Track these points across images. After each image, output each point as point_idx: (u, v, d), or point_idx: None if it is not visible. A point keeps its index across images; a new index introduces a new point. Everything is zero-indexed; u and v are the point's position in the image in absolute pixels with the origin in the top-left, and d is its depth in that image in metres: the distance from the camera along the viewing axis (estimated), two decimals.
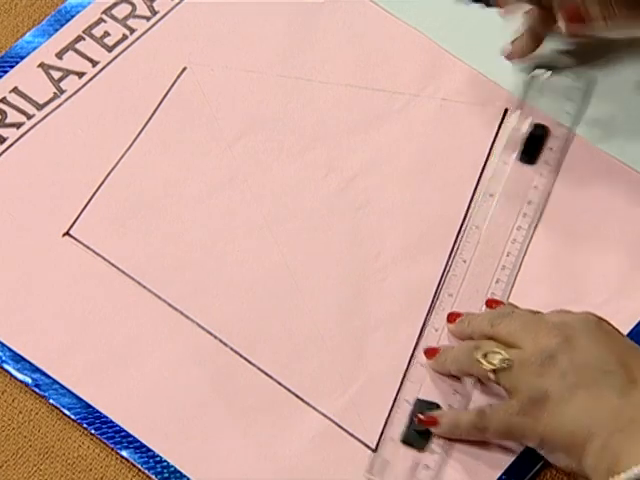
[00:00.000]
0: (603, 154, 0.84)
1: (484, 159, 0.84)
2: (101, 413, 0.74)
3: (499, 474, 0.72)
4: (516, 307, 0.76)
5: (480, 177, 0.83)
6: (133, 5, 0.90)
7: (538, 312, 0.74)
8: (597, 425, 0.67)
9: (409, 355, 0.76)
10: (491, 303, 0.77)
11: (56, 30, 0.89)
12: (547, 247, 0.80)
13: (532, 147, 0.83)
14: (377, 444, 0.74)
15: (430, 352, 0.75)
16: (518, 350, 0.71)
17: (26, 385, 0.76)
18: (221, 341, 0.77)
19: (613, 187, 0.82)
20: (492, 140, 0.84)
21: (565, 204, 0.82)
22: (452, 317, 0.77)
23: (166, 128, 0.85)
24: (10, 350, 0.76)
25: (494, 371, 0.71)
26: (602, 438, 0.67)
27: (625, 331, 0.75)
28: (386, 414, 0.74)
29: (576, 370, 0.69)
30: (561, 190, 0.82)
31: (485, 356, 0.71)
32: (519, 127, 0.84)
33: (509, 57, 0.86)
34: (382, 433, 0.74)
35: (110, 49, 0.89)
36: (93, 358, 0.76)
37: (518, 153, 0.83)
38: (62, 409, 0.75)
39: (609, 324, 0.72)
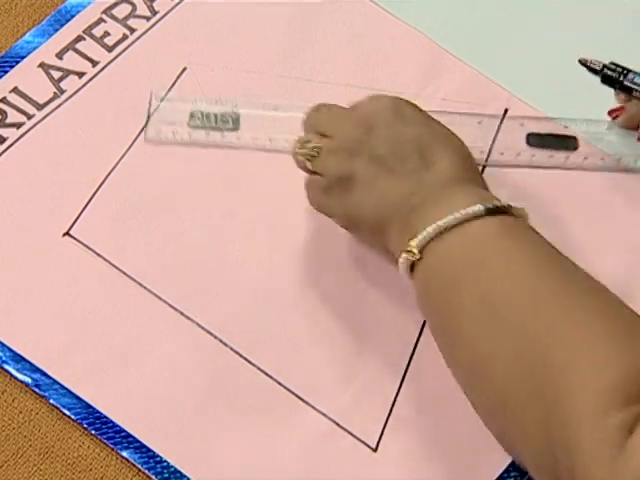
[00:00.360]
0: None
1: (484, 157, 0.83)
2: (101, 413, 0.74)
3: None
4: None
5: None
6: (133, 5, 0.90)
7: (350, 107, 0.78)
8: (395, 208, 0.72)
9: (409, 354, 0.76)
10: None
11: (56, 30, 0.89)
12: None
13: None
14: (377, 444, 0.74)
15: None
16: (329, 139, 0.76)
17: (26, 385, 0.76)
18: (221, 341, 0.77)
19: (611, 191, 0.82)
20: (492, 139, 0.84)
21: (560, 208, 0.82)
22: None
23: (166, 128, 0.85)
24: (10, 350, 0.76)
25: (309, 160, 0.75)
26: (400, 220, 0.72)
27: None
28: (386, 414, 0.75)
29: (377, 158, 0.73)
30: (556, 193, 0.82)
31: (301, 147, 0.76)
32: None
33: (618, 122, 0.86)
34: (382, 433, 0.74)
35: (110, 49, 0.89)
36: (93, 358, 0.76)
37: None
38: (62, 409, 0.75)
39: (411, 107, 0.76)
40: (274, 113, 0.84)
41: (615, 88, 0.83)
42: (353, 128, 0.75)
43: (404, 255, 0.70)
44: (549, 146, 0.83)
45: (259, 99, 0.85)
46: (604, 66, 0.82)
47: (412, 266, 0.70)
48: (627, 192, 0.82)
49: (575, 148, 0.83)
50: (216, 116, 0.83)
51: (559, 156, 0.83)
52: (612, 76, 0.82)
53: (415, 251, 0.69)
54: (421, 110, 0.77)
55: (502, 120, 0.85)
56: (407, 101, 0.77)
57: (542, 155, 0.83)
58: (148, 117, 0.84)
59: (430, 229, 0.69)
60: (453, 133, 0.76)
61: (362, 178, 0.74)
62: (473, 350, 0.67)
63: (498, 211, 0.69)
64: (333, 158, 0.75)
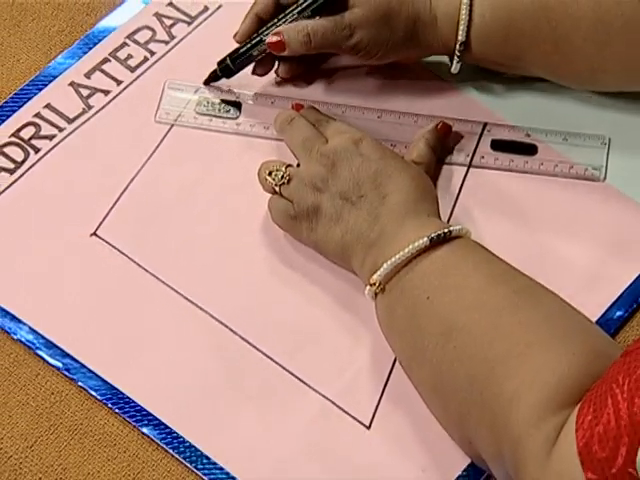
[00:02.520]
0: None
1: (465, 168, 0.83)
2: (124, 394, 0.75)
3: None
4: (315, 112, 0.82)
5: (462, 185, 0.83)
6: (153, 31, 0.90)
7: (327, 118, 0.80)
8: (357, 241, 0.74)
9: None
10: (297, 107, 0.83)
11: (85, 53, 0.89)
12: (515, 241, 0.80)
13: None
14: (370, 421, 0.74)
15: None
16: (296, 168, 0.77)
17: (57, 369, 0.76)
18: (232, 330, 0.77)
19: (564, 195, 0.82)
20: (472, 150, 0.84)
21: (531, 200, 0.82)
22: (297, 107, 0.83)
23: (183, 139, 0.85)
24: (43, 338, 0.77)
25: (277, 185, 0.77)
26: (361, 252, 0.74)
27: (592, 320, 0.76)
28: (379, 395, 0.75)
29: (341, 194, 0.74)
30: (525, 187, 0.82)
31: (270, 174, 0.77)
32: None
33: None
34: (375, 412, 0.74)
35: (133, 70, 0.89)
36: (117, 345, 0.77)
37: None
38: (89, 390, 0.75)
39: (369, 141, 0.76)
40: (271, 104, 0.85)
41: (238, 70, 0.84)
42: (319, 163, 0.76)
43: (368, 287, 0.72)
44: (511, 151, 0.83)
45: (259, 91, 0.86)
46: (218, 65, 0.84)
47: (375, 295, 0.72)
48: (577, 196, 0.82)
49: (534, 154, 0.83)
50: (220, 104, 0.85)
51: (519, 160, 0.83)
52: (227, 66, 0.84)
53: (376, 284, 0.71)
54: (380, 145, 0.77)
55: (482, 133, 0.85)
56: (367, 137, 0.77)
57: (504, 158, 0.83)
58: (160, 100, 0.85)
59: (386, 266, 0.71)
60: (410, 165, 0.77)
61: (328, 211, 0.75)
62: (432, 369, 0.69)
63: (443, 238, 0.71)
64: (302, 189, 0.76)
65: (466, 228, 0.72)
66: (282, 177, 0.76)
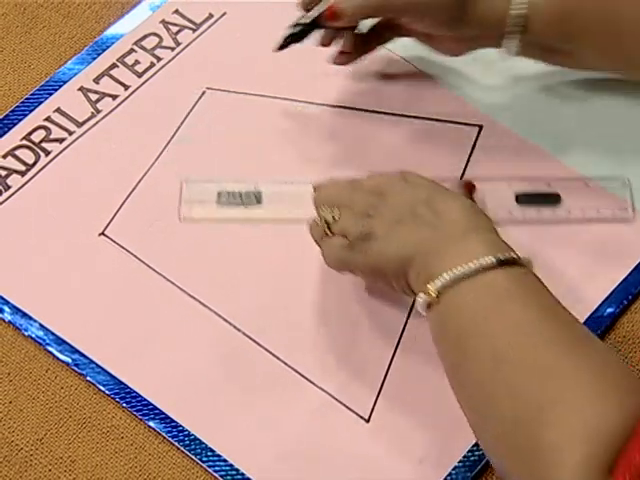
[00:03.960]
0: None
1: (461, 171, 0.83)
2: (132, 389, 0.75)
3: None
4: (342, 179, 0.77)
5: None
6: (160, 37, 0.90)
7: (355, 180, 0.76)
8: (414, 252, 0.69)
9: (397, 339, 0.76)
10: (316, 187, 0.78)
11: (94, 59, 0.89)
12: (509, 240, 0.79)
13: None
14: (369, 415, 0.74)
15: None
16: (344, 207, 0.73)
17: (67, 364, 0.76)
18: (235, 327, 0.77)
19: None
20: (468, 153, 0.84)
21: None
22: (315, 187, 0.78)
23: (188, 142, 0.85)
24: (53, 334, 0.77)
25: (328, 227, 0.73)
26: (419, 261, 0.69)
27: (582, 319, 0.76)
28: (377, 389, 0.74)
29: (393, 217, 0.71)
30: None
31: (319, 217, 0.74)
32: None
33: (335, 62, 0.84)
34: (374, 406, 0.74)
35: (140, 75, 0.88)
36: (125, 341, 0.76)
37: None
38: (98, 385, 0.75)
39: (415, 175, 0.74)
40: (291, 187, 0.82)
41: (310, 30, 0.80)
42: (366, 196, 0.73)
43: (422, 295, 0.68)
44: (536, 203, 0.81)
45: (277, 176, 0.82)
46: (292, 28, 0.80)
47: (429, 305, 0.68)
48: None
49: (558, 203, 0.81)
50: (241, 194, 0.81)
51: (546, 211, 0.81)
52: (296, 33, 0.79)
53: (432, 294, 0.67)
54: (424, 176, 0.74)
55: (477, 136, 0.85)
56: (412, 172, 0.74)
57: (531, 211, 0.81)
58: (180, 199, 0.81)
59: (447, 276, 0.67)
60: (458, 194, 0.74)
61: (381, 232, 0.71)
62: (477, 391, 0.65)
63: (507, 262, 0.67)
64: (353, 219, 0.72)
65: (530, 259, 0.69)
66: (332, 215, 0.73)
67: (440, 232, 0.69)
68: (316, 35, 0.82)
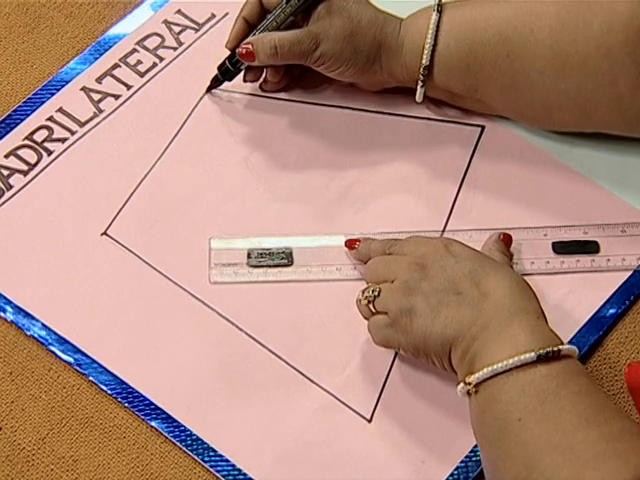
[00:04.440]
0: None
1: (464, 170, 0.83)
2: (133, 389, 0.74)
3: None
4: (378, 241, 0.77)
5: (461, 185, 0.83)
6: (162, 37, 0.90)
7: (395, 240, 0.75)
8: (458, 334, 0.68)
9: None
10: (350, 243, 0.78)
11: (96, 59, 0.89)
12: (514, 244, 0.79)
13: None
14: (371, 415, 0.73)
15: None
16: (387, 283, 0.72)
17: (69, 364, 0.76)
18: (237, 327, 0.77)
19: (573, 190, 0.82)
20: (470, 154, 0.84)
21: (531, 202, 0.81)
22: (350, 243, 0.78)
23: (190, 142, 0.85)
24: (56, 334, 0.76)
25: (370, 302, 0.72)
26: (462, 344, 0.68)
27: (584, 320, 0.76)
28: (379, 389, 0.74)
29: (435, 292, 0.69)
30: (528, 189, 0.81)
31: (362, 295, 0.73)
32: None
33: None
34: (375, 406, 0.74)
35: (142, 75, 0.88)
36: (127, 341, 0.76)
37: None
38: (100, 385, 0.75)
39: (459, 244, 0.72)
40: (323, 243, 0.79)
41: (239, 71, 0.83)
42: (408, 269, 0.71)
43: (462, 385, 0.67)
44: (574, 252, 0.79)
45: (307, 233, 0.80)
46: (218, 69, 0.83)
47: (468, 393, 0.67)
48: (573, 195, 0.81)
49: (597, 251, 0.79)
50: (271, 253, 0.78)
51: (585, 260, 0.78)
52: (227, 67, 0.83)
53: (472, 386, 0.67)
54: (468, 246, 0.73)
55: (480, 136, 0.85)
56: (454, 239, 0.74)
57: (570, 261, 0.78)
58: (209, 262, 0.79)
59: (487, 371, 0.65)
60: (505, 265, 0.72)
61: (423, 309, 0.69)
62: None
63: (549, 356, 0.65)
64: (393, 296, 0.71)
65: (574, 348, 0.67)
66: (372, 291, 0.72)
67: (484, 314, 0.68)
68: None
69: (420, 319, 0.69)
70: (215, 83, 0.86)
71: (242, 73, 0.85)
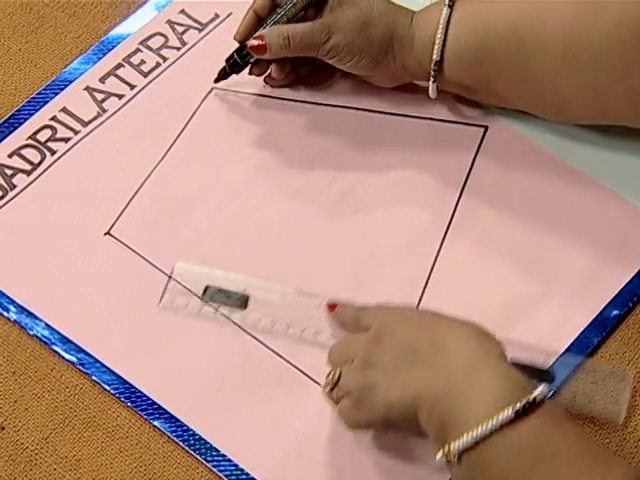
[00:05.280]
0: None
1: (467, 170, 0.83)
2: (136, 388, 0.74)
3: None
4: (368, 307, 0.74)
5: (464, 187, 0.82)
6: (165, 37, 0.90)
7: (365, 307, 0.73)
8: (418, 395, 0.65)
9: None
10: (332, 307, 0.75)
11: (99, 58, 0.89)
12: (515, 243, 0.79)
13: None
14: None
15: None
16: (347, 364, 0.69)
17: (72, 364, 0.75)
18: (239, 326, 0.76)
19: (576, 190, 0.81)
20: (473, 155, 0.83)
21: (534, 203, 0.81)
22: (330, 307, 0.75)
23: (193, 142, 0.85)
24: (59, 334, 0.76)
25: (332, 389, 0.69)
26: (426, 404, 0.65)
27: (588, 321, 0.75)
28: None
29: (392, 361, 0.67)
30: (531, 189, 0.81)
31: (326, 384, 0.70)
32: None
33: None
34: None
35: (146, 75, 0.88)
36: (130, 341, 0.76)
37: None
38: (103, 385, 0.75)
39: (414, 310, 0.72)
40: (282, 299, 0.77)
41: (246, 65, 0.83)
42: (365, 345, 0.69)
43: (441, 454, 0.64)
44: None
45: (269, 283, 0.77)
46: (226, 62, 0.83)
47: (448, 462, 0.64)
48: (575, 199, 0.80)
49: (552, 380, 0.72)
50: (228, 293, 0.76)
51: None
52: (235, 60, 0.82)
53: (451, 456, 0.63)
54: (424, 310, 0.72)
55: (483, 137, 0.84)
56: (412, 308, 0.73)
57: None
58: (166, 286, 0.77)
59: (467, 438, 0.62)
60: (464, 322, 0.69)
61: (382, 381, 0.67)
62: None
63: (527, 408, 0.62)
64: (353, 375, 0.68)
65: (545, 388, 0.63)
66: (333, 376, 0.69)
67: (444, 369, 0.65)
68: None
69: (380, 391, 0.66)
70: (222, 76, 0.85)
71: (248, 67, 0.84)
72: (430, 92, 0.81)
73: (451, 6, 0.78)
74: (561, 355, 0.74)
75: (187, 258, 0.78)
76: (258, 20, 0.82)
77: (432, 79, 0.80)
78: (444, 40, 0.78)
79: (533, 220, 0.80)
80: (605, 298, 0.77)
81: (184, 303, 0.76)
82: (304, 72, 0.86)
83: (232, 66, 0.84)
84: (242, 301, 0.76)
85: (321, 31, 0.79)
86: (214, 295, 0.76)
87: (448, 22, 0.78)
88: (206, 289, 0.76)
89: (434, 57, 0.78)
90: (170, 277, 0.76)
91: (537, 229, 0.80)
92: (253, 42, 0.80)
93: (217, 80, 0.85)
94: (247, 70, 0.85)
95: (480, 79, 0.79)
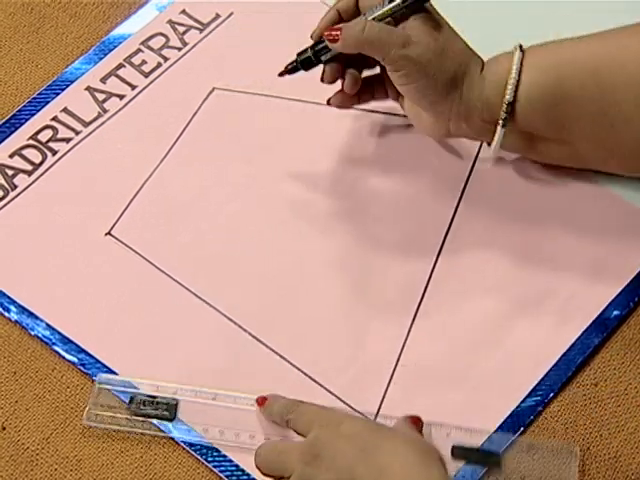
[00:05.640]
0: None
1: (467, 173, 0.83)
2: (138, 389, 0.74)
3: None
4: (298, 404, 0.71)
5: (464, 188, 0.82)
6: (167, 37, 0.90)
7: (295, 403, 0.70)
8: None
9: (403, 338, 0.76)
10: (261, 401, 0.72)
11: (101, 59, 0.89)
12: (516, 245, 0.79)
13: None
14: (375, 418, 0.73)
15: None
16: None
17: (73, 364, 0.75)
18: (241, 327, 0.76)
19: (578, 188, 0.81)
20: (475, 153, 0.83)
21: (535, 203, 0.81)
22: (260, 400, 0.72)
23: (195, 142, 0.85)
24: (60, 334, 0.76)
25: None
26: None
27: (588, 321, 0.75)
28: (383, 390, 0.74)
29: None
30: (531, 190, 0.81)
31: None
32: None
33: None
34: (379, 407, 0.73)
35: (147, 75, 0.88)
36: (131, 341, 0.76)
37: None
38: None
39: (350, 420, 0.67)
40: (212, 402, 0.73)
41: (319, 63, 0.77)
42: (301, 461, 0.65)
43: None
44: (474, 461, 0.70)
45: (198, 388, 0.73)
46: (297, 56, 0.78)
47: None
48: (577, 201, 0.80)
49: (499, 465, 0.70)
50: (155, 402, 0.72)
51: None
52: (308, 56, 0.77)
53: None
54: (362, 419, 0.69)
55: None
56: (348, 417, 0.69)
57: (466, 470, 0.70)
58: (90, 398, 0.73)
59: None
60: (401, 430, 0.67)
61: None
62: None
63: None
64: None
65: None
66: None
67: None
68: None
69: None
70: (291, 70, 0.79)
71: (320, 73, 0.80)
72: (495, 142, 0.76)
73: (523, 51, 0.75)
74: (496, 431, 0.72)
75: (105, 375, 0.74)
76: (340, 20, 0.77)
77: (502, 122, 0.75)
78: (517, 81, 0.74)
79: (533, 220, 0.80)
80: (606, 298, 0.76)
81: (109, 415, 0.72)
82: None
83: (304, 62, 0.79)
84: (170, 408, 0.72)
85: (401, 35, 0.73)
86: (140, 405, 0.72)
87: (521, 65, 0.74)
88: (131, 399, 0.73)
89: (507, 98, 0.74)
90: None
91: (537, 229, 0.80)
92: (331, 31, 0.75)
93: (282, 74, 0.80)
94: (247, 71, 0.86)
95: (554, 122, 0.75)
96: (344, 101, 0.81)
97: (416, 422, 0.70)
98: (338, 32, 0.75)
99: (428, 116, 0.78)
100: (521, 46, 0.75)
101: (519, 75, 0.74)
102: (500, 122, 0.75)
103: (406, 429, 0.69)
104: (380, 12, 0.75)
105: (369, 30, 0.74)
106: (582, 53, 0.74)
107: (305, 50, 0.79)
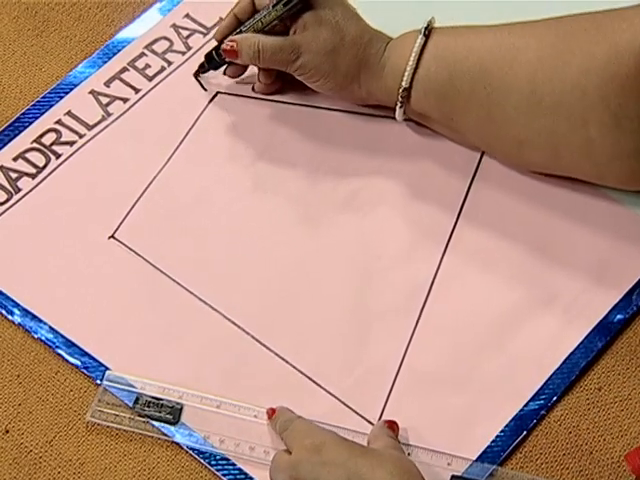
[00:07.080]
0: None
1: (470, 177, 0.82)
2: (140, 392, 0.73)
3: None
4: (293, 420, 0.71)
5: (468, 192, 0.82)
6: (170, 41, 0.90)
7: (292, 419, 0.70)
8: None
9: (406, 342, 0.75)
10: (271, 413, 0.72)
11: (104, 62, 0.89)
12: (518, 248, 0.79)
13: None
14: (378, 420, 0.73)
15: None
16: None
17: (76, 367, 0.75)
18: (243, 330, 0.76)
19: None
20: (478, 159, 0.83)
21: (538, 209, 0.80)
22: (269, 412, 0.72)
23: (198, 146, 0.84)
24: (63, 337, 0.76)
25: None
26: None
27: (592, 325, 0.75)
28: (386, 394, 0.74)
29: None
30: (535, 196, 0.81)
31: None
32: None
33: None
34: (382, 410, 0.73)
35: (150, 79, 0.88)
36: (134, 345, 0.76)
37: None
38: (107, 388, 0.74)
39: (332, 445, 0.67)
40: (216, 410, 0.73)
41: (224, 62, 0.84)
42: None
43: None
44: None
45: (203, 394, 0.73)
46: (205, 57, 0.85)
47: None
48: (580, 208, 0.80)
49: None
50: (160, 405, 0.72)
51: None
52: (213, 57, 0.84)
53: None
54: (345, 444, 0.67)
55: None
56: (329, 441, 0.68)
57: None
58: (97, 395, 0.73)
59: None
60: (384, 455, 0.67)
61: None
62: None
63: None
64: None
65: None
66: None
67: None
68: None
69: None
70: (201, 70, 0.86)
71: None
72: (397, 116, 0.81)
73: (427, 35, 0.78)
74: (499, 435, 0.71)
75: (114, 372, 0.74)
76: (237, 23, 0.83)
77: (399, 104, 0.80)
78: (415, 68, 0.78)
79: (537, 225, 0.80)
80: (610, 302, 0.76)
81: (114, 414, 0.72)
82: (290, 77, 0.84)
83: (209, 62, 0.85)
84: (174, 411, 0.72)
85: (291, 49, 0.79)
86: (145, 405, 0.72)
87: (422, 51, 0.77)
88: (137, 399, 0.73)
89: (403, 84, 0.78)
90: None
91: (540, 234, 0.79)
92: (226, 45, 0.82)
93: (196, 74, 0.86)
94: (251, 75, 0.86)
95: (444, 113, 0.79)
96: (264, 88, 0.85)
97: (392, 426, 0.71)
98: (234, 44, 0.81)
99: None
100: (426, 29, 0.78)
101: (417, 63, 0.77)
102: (398, 104, 0.80)
103: (385, 440, 0.69)
104: (268, 18, 0.80)
105: (263, 53, 0.80)
106: (476, 51, 0.76)
107: (211, 52, 0.84)
